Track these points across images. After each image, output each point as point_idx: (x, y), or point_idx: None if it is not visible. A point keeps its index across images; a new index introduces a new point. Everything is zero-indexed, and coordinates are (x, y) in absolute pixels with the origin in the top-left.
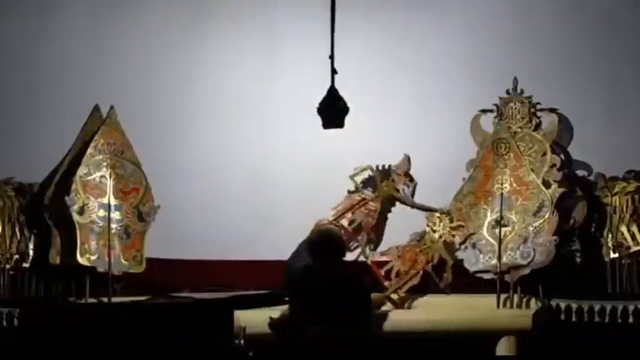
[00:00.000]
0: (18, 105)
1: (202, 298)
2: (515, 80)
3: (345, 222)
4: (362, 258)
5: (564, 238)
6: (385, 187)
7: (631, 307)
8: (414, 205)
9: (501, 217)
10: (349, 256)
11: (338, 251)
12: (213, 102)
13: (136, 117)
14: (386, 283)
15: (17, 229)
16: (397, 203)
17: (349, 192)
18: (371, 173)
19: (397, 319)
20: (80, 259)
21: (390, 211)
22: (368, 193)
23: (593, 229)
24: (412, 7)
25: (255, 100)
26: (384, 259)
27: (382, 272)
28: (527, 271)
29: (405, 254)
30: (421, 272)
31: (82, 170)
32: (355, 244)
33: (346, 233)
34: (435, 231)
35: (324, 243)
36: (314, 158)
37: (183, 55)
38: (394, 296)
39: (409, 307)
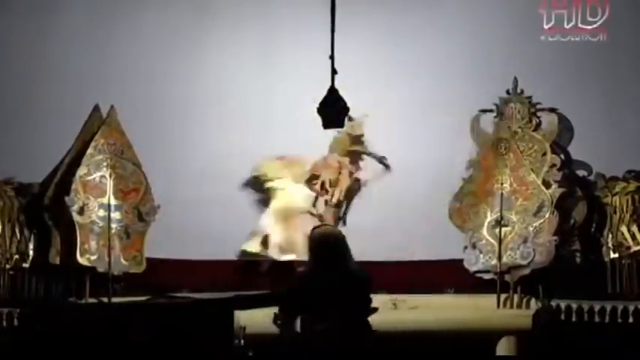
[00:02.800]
0: (18, 105)
1: (202, 298)
2: (515, 80)
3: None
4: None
5: (564, 238)
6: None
7: (631, 307)
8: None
9: (501, 217)
10: None
11: (342, 250)
12: (214, 102)
13: (136, 117)
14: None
15: (17, 229)
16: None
17: None
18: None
19: (398, 318)
20: (80, 259)
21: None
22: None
23: (593, 229)
24: (412, 7)
25: (256, 99)
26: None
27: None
28: (527, 271)
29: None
30: (349, 172)
31: (82, 170)
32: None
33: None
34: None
35: (327, 244)
36: (314, 158)
37: (183, 56)
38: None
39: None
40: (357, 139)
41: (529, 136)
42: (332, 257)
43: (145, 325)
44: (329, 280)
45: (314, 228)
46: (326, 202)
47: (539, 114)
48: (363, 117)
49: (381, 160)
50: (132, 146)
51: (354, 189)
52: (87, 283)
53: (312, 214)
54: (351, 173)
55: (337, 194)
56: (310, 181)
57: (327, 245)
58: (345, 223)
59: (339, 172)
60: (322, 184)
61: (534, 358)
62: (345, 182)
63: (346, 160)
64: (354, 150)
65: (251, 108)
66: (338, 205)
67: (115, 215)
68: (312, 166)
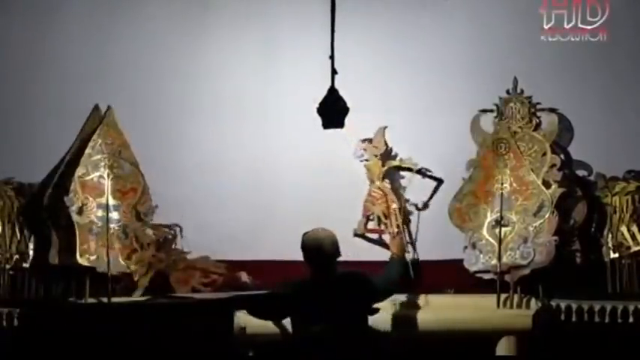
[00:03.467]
0: (18, 105)
1: (202, 298)
2: (515, 80)
3: (371, 225)
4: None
5: (564, 238)
6: (369, 167)
7: (631, 307)
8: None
9: (501, 217)
10: None
11: (329, 253)
12: (213, 102)
13: (135, 116)
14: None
15: (17, 229)
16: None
17: None
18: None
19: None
20: (80, 260)
21: (398, 190)
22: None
23: (593, 229)
24: (412, 7)
25: (255, 100)
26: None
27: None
28: (527, 271)
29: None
30: (394, 199)
31: (80, 170)
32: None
33: (378, 231)
34: (367, 160)
35: (316, 247)
36: (314, 158)
37: (182, 56)
38: (395, 230)
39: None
40: (387, 154)
41: (529, 136)
42: (324, 259)
43: (145, 325)
44: (324, 282)
45: (305, 233)
46: (389, 233)
47: (539, 114)
48: (380, 130)
49: (423, 172)
50: (129, 146)
51: (407, 211)
52: (87, 283)
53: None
54: (396, 195)
55: (393, 221)
56: (366, 226)
57: (320, 248)
58: (415, 249)
59: (386, 200)
60: (379, 221)
61: (534, 358)
62: (395, 207)
63: (387, 184)
64: (390, 167)
65: (250, 107)
66: (399, 232)
67: (114, 215)
68: (363, 210)
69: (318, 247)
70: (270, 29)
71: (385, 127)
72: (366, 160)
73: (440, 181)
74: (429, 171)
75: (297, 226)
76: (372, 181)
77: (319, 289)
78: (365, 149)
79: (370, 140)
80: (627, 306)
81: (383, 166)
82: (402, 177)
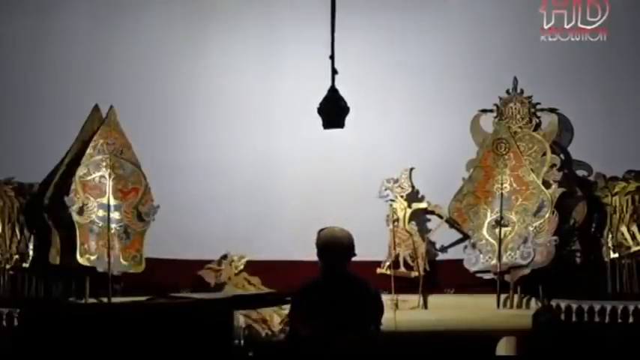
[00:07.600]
0: (18, 105)
1: (202, 298)
2: (515, 80)
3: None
4: None
5: (564, 238)
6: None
7: (631, 307)
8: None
9: (501, 217)
10: None
11: (339, 252)
12: (214, 102)
13: (137, 117)
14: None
15: (17, 229)
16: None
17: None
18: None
19: (398, 318)
20: (80, 260)
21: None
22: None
23: (593, 229)
24: (412, 7)
25: (256, 100)
26: None
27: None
28: (527, 271)
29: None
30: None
31: (81, 170)
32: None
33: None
34: (392, 200)
35: (327, 245)
36: (315, 158)
37: (184, 56)
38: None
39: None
40: (413, 196)
41: (529, 136)
42: (333, 258)
43: (145, 325)
44: (331, 281)
45: (321, 229)
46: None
47: (539, 114)
48: (405, 171)
49: (450, 222)
50: (131, 146)
51: (431, 252)
52: (87, 283)
53: None
54: (423, 237)
55: (421, 264)
56: (391, 267)
57: (331, 247)
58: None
59: (413, 242)
60: (405, 263)
61: (534, 358)
62: (421, 248)
63: (413, 226)
64: (417, 209)
65: (251, 108)
66: (426, 273)
67: (115, 215)
68: (389, 251)
69: (330, 245)
70: (271, 30)
71: (411, 169)
72: (392, 200)
73: (466, 236)
74: (457, 223)
75: (297, 227)
76: (396, 222)
77: (326, 287)
78: (390, 189)
79: (395, 180)
80: (627, 306)
81: (409, 207)
82: (429, 220)
